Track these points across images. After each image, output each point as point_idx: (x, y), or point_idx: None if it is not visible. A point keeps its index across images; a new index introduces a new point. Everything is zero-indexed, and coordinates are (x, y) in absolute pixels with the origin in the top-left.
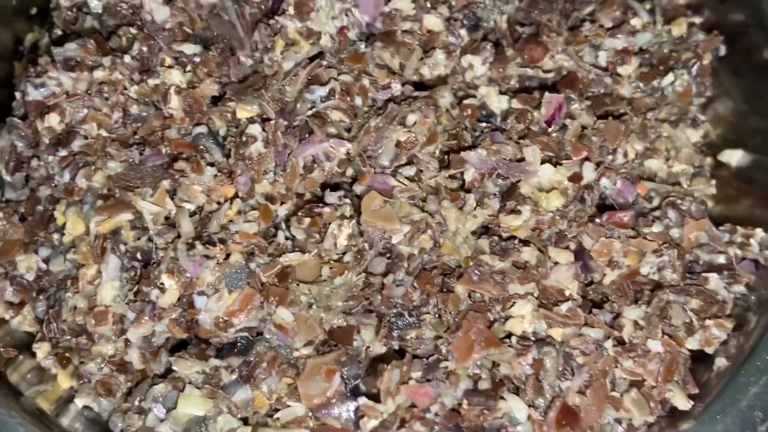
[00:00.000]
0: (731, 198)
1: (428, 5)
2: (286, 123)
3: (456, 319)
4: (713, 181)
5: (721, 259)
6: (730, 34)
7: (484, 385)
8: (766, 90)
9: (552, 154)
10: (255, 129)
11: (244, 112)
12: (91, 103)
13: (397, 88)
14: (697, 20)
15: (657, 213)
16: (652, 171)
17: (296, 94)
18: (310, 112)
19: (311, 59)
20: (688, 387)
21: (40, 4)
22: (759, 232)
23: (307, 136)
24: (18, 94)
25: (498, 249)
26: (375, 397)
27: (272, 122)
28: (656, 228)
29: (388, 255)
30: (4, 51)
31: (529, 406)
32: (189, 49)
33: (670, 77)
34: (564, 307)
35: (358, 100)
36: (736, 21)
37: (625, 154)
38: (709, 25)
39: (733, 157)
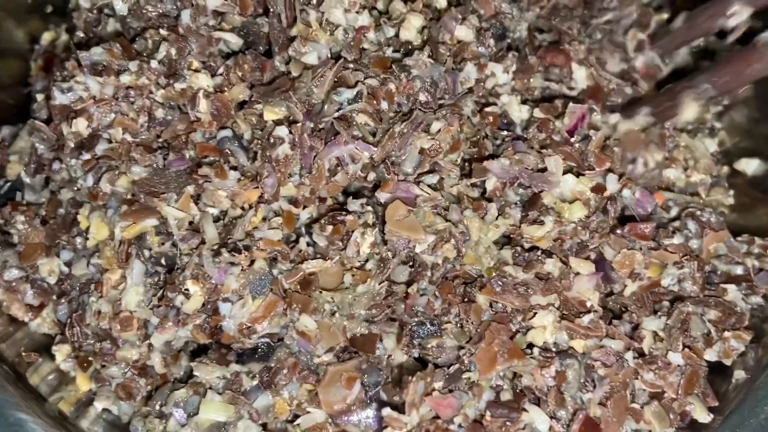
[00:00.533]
0: (747, 207)
1: (459, 16)
2: (312, 125)
3: (478, 330)
4: (731, 191)
5: (739, 270)
6: (748, 40)
7: (505, 396)
8: None
9: (574, 164)
10: (282, 131)
11: (271, 114)
12: (119, 108)
13: (424, 96)
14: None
15: (677, 224)
16: (670, 181)
17: (323, 95)
18: (336, 114)
19: (336, 59)
20: (708, 399)
21: (55, 2)
22: None
23: (333, 138)
24: (39, 97)
25: (521, 260)
26: (396, 406)
27: (299, 124)
28: (677, 239)
29: (411, 264)
30: (20, 49)
31: (551, 417)
32: (232, 38)
33: None
34: (586, 319)
35: (384, 105)
36: (753, 27)
37: (645, 164)
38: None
39: (750, 165)
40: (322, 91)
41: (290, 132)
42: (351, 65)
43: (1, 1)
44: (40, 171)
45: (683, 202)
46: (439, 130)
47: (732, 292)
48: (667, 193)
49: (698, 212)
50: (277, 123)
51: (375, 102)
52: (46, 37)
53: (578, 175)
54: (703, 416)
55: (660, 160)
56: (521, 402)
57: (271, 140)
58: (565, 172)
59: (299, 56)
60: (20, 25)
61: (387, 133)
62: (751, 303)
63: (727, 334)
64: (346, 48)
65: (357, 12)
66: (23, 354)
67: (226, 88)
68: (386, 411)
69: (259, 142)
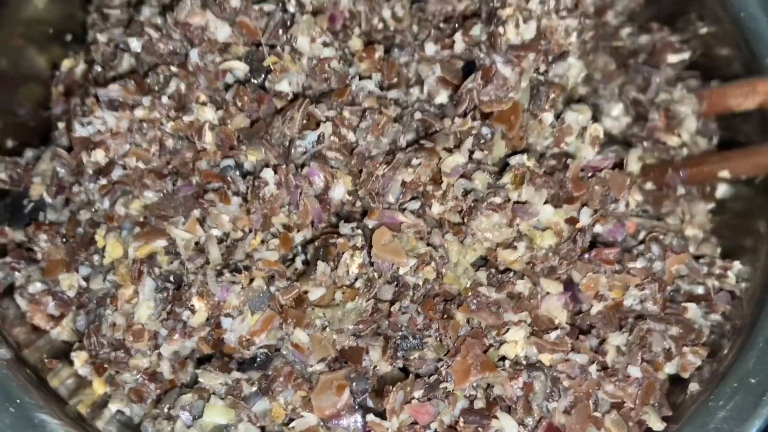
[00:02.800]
0: (714, 229)
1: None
2: (295, 165)
3: (455, 344)
4: (719, 249)
5: (700, 290)
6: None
7: (479, 404)
8: None
9: (554, 192)
10: (268, 173)
11: (253, 157)
12: (133, 140)
13: (399, 132)
14: (686, 55)
15: (641, 248)
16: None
17: (296, 135)
18: (303, 158)
19: (303, 97)
20: (663, 410)
21: (75, 31)
22: (736, 264)
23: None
24: (60, 125)
25: (494, 281)
26: (381, 413)
27: (283, 166)
28: (640, 263)
29: (396, 283)
30: (42, 75)
31: (519, 424)
32: (239, 65)
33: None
34: (553, 335)
35: (351, 135)
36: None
37: (627, 204)
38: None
39: (718, 189)
40: (294, 132)
41: (276, 173)
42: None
43: (25, 29)
44: (61, 192)
45: (649, 226)
46: (420, 164)
47: (692, 310)
48: (636, 219)
49: (662, 236)
50: (265, 165)
51: (338, 140)
52: (66, 64)
53: (555, 206)
54: (657, 425)
55: (640, 200)
56: (493, 410)
57: (256, 183)
58: (546, 202)
59: (272, 85)
60: (42, 52)
61: (371, 175)
62: (711, 320)
63: (685, 349)
64: (312, 74)
65: (323, 44)
66: (45, 360)
67: (228, 120)
68: (369, 417)
69: (251, 180)
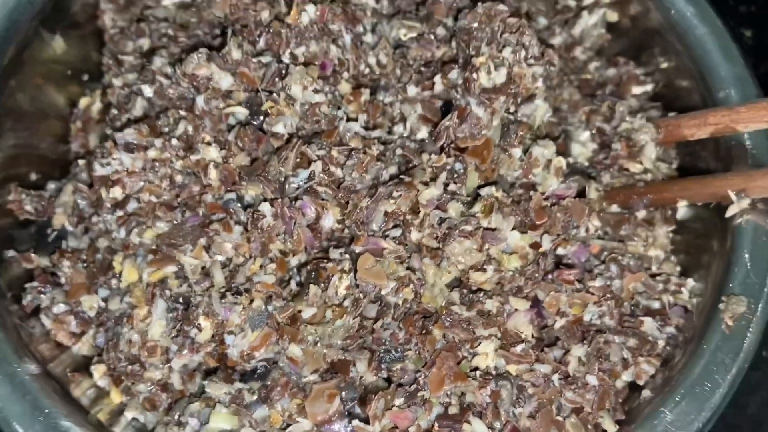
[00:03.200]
0: (674, 249)
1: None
2: (289, 198)
3: (432, 357)
4: (678, 267)
5: (656, 305)
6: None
7: (453, 410)
8: None
9: (520, 218)
10: (265, 207)
11: (252, 191)
12: (146, 177)
13: (381, 169)
14: (649, 87)
15: (602, 267)
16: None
17: (290, 173)
18: (296, 193)
19: (294, 138)
20: (617, 414)
21: (90, 71)
22: (690, 281)
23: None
24: (80, 161)
25: (466, 300)
26: (365, 418)
27: (279, 200)
28: (599, 282)
29: (379, 302)
30: (61, 112)
31: (489, 428)
32: (240, 110)
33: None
34: (519, 348)
35: (339, 172)
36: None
37: (587, 230)
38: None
39: (678, 211)
40: (289, 169)
41: (272, 206)
42: (305, 145)
43: (45, 70)
44: (81, 222)
45: (610, 248)
46: (400, 196)
47: (648, 323)
48: (599, 241)
49: (620, 257)
50: (264, 198)
51: (327, 176)
52: (83, 102)
53: (522, 232)
54: (611, 428)
55: (599, 226)
56: (466, 415)
57: (255, 215)
58: (514, 228)
59: (269, 127)
60: (60, 90)
61: (356, 207)
62: (666, 333)
63: (641, 359)
64: (304, 117)
65: (314, 91)
66: (68, 373)
67: (230, 159)
68: (355, 422)
69: (251, 212)
